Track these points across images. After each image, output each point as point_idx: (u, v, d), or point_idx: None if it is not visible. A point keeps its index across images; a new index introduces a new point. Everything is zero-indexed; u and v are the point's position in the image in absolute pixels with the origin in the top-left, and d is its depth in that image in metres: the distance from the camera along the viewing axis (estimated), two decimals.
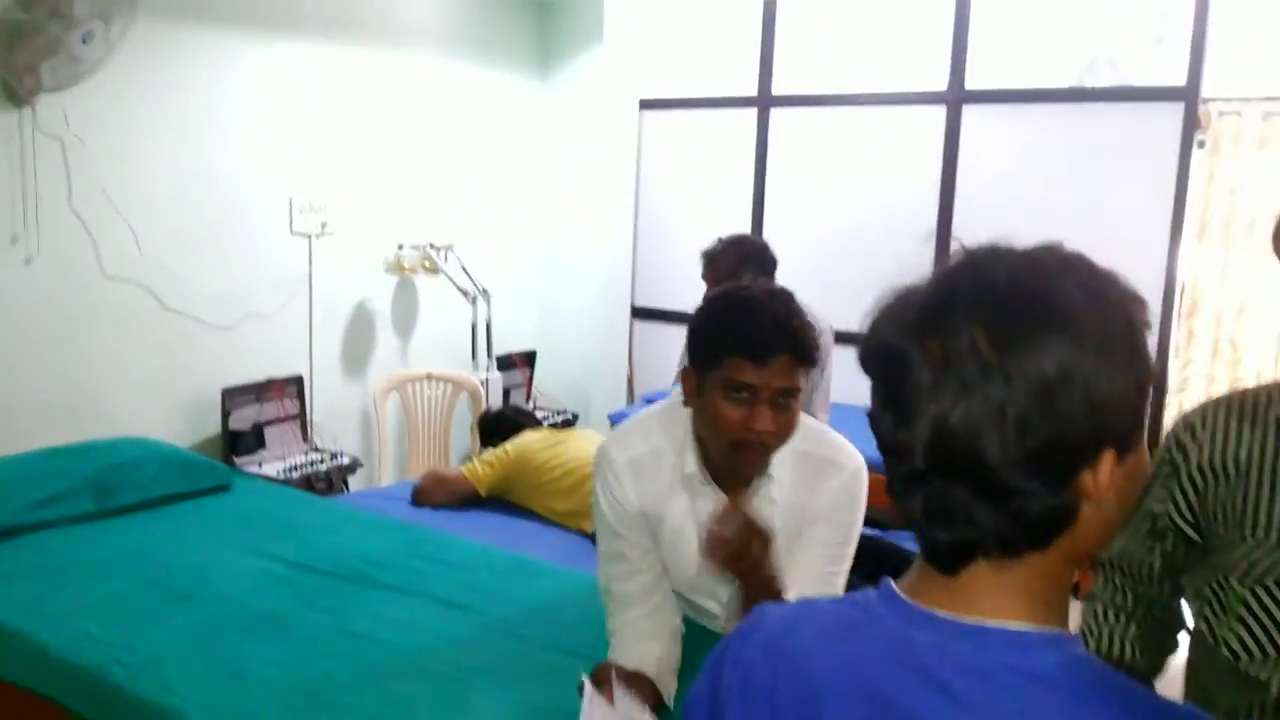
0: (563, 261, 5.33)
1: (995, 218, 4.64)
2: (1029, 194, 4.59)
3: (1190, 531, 1.33)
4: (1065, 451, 0.74)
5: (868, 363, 0.83)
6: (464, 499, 3.19)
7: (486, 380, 4.56)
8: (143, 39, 3.52)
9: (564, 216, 5.30)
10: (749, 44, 5.31)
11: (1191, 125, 4.18)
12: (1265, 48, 4.22)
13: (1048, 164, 4.55)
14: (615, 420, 4.88)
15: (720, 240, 3.26)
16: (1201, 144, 4.24)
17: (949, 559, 0.78)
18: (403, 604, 2.16)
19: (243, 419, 3.95)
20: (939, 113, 4.77)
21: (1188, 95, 4.18)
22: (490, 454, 3.25)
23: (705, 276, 3.25)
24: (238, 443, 3.91)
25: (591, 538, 2.91)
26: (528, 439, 3.26)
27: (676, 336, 5.72)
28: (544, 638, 2.04)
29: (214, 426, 3.92)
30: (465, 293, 4.54)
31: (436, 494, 3.19)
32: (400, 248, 4.47)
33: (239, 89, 3.94)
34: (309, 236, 4.24)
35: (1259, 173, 4.17)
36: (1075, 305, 0.76)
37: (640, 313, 5.72)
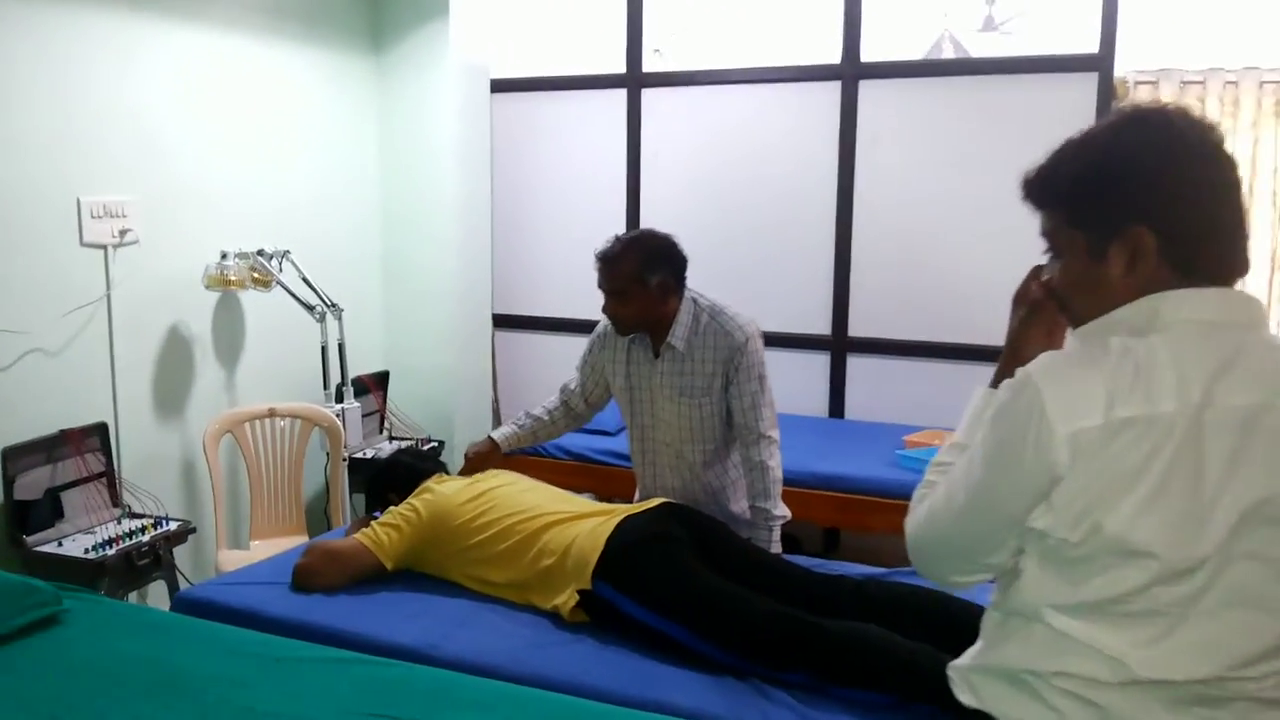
0: (411, 267, 4.59)
1: (900, 197, 4.32)
2: (935, 170, 4.28)
3: None
4: None
5: None
6: (363, 576, 2.47)
7: (343, 412, 3.79)
8: None
9: (409, 215, 4.56)
10: (615, 18, 4.75)
11: (1107, 95, 3.95)
12: (1175, 20, 4.05)
13: (953, 139, 4.24)
14: None
15: (618, 239, 2.71)
16: None
17: None
18: None
19: (32, 485, 3.03)
20: (833, 89, 4.38)
21: (1102, 65, 3.96)
22: (394, 515, 2.54)
23: (603, 284, 2.68)
24: (29, 516, 3.00)
25: (549, 614, 2.29)
26: (439, 492, 2.57)
27: (545, 346, 5.13)
28: None
29: None
30: (311, 308, 3.75)
31: (328, 574, 2.45)
32: (223, 257, 3.63)
33: (9, 67, 3.02)
34: (105, 248, 3.34)
35: None
36: None
37: (502, 320, 5.06)
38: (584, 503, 2.54)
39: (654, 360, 2.70)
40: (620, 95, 4.75)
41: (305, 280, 3.81)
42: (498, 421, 5.07)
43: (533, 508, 2.46)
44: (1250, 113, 3.88)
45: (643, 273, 2.60)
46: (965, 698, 1.34)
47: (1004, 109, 4.14)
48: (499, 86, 4.79)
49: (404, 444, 4.22)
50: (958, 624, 2.08)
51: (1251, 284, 3.99)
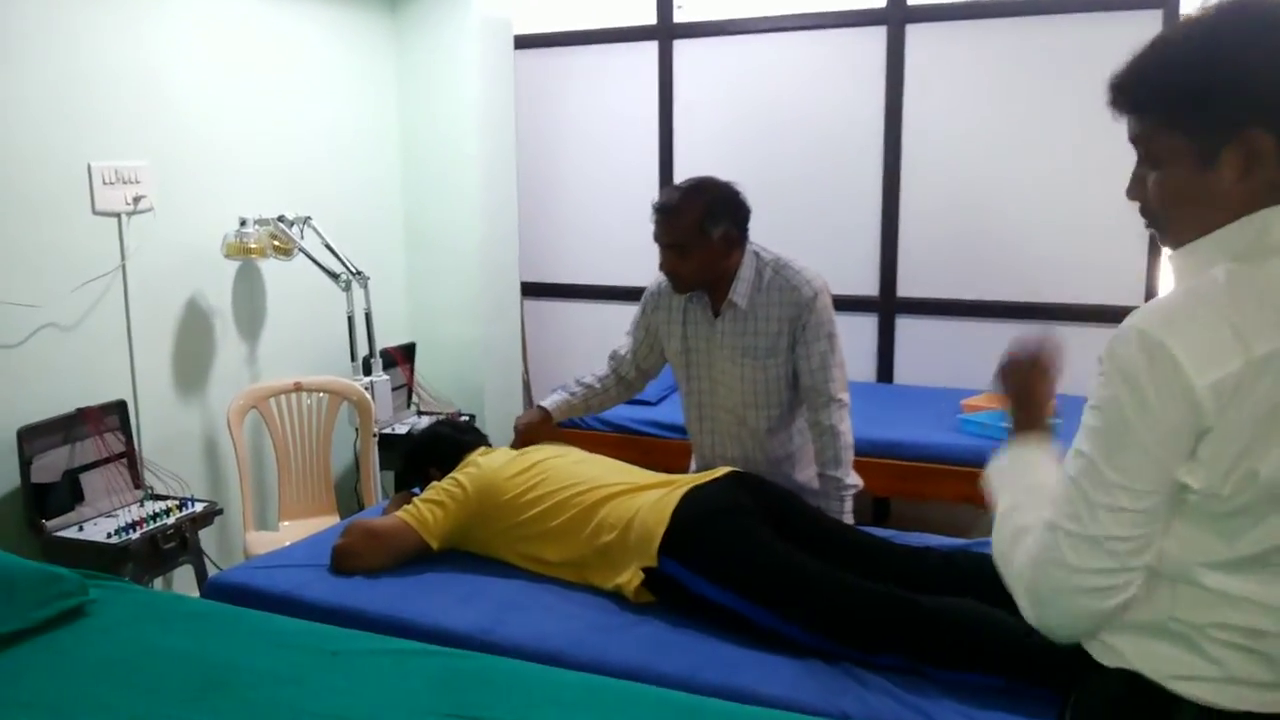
0: (434, 233, 4.40)
1: (951, 148, 4.10)
2: (989, 119, 4.06)
3: None
4: None
5: None
6: (407, 557, 2.29)
7: (372, 385, 3.61)
8: None
9: (431, 179, 4.36)
10: None
11: None
12: None
13: (1009, 84, 4.02)
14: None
15: (675, 188, 2.48)
16: None
17: None
18: None
19: (50, 467, 2.87)
20: (878, 34, 4.15)
21: (1167, 1, 3.72)
22: (438, 491, 2.36)
23: (660, 238, 2.46)
24: (46, 499, 2.84)
25: (611, 594, 2.11)
26: (486, 465, 2.39)
27: (576, 315, 4.94)
28: None
29: (10, 481, 2.83)
30: (335, 276, 3.57)
31: (371, 554, 2.27)
32: (242, 224, 3.45)
33: (18, 26, 2.84)
34: (119, 216, 3.16)
35: None
36: None
37: (531, 289, 4.87)
38: (643, 474, 2.36)
39: (713, 320, 2.50)
40: (651, 47, 4.54)
41: (328, 247, 3.62)
42: (529, 394, 4.89)
43: (588, 480, 2.28)
44: None
45: (705, 224, 2.39)
46: (1107, 658, 1.17)
47: (1062, 51, 3.91)
48: (522, 42, 4.58)
49: (436, 417, 4.04)
50: None
51: None
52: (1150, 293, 3.91)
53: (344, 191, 4.06)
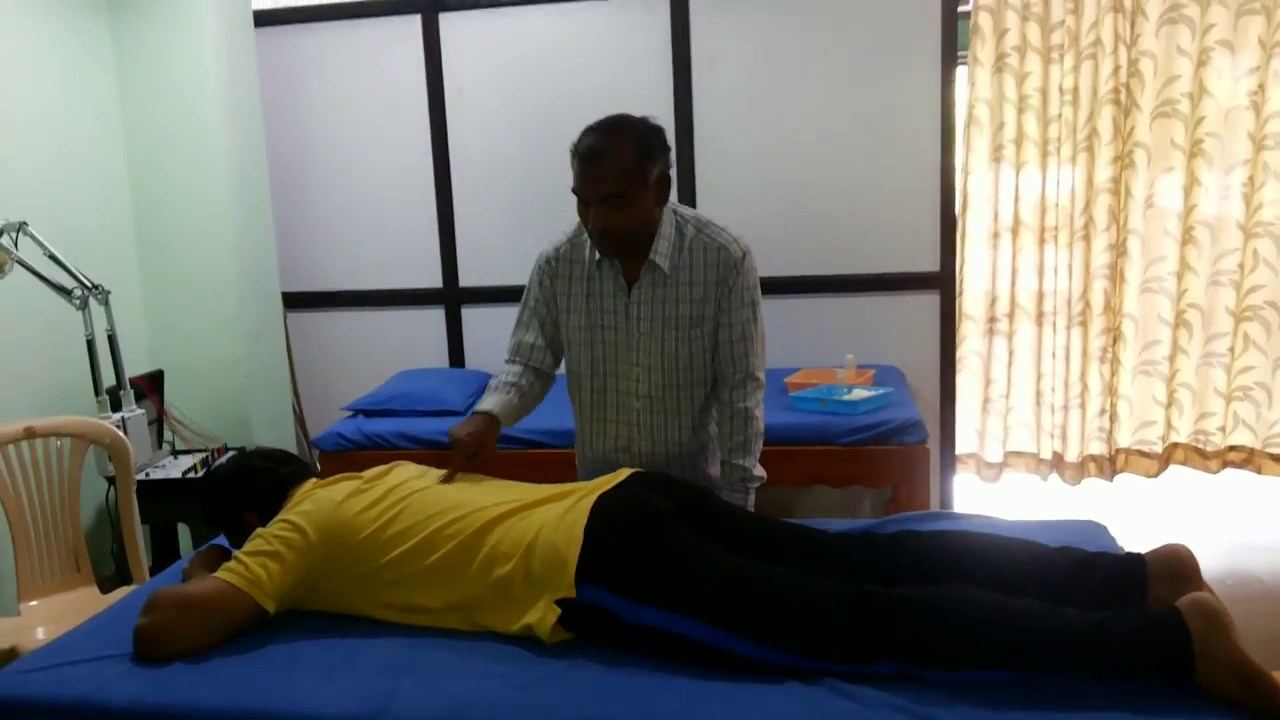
0: (175, 241, 3.76)
1: (745, 121, 3.98)
2: (783, 89, 3.99)
3: None
4: None
5: None
6: (237, 628, 1.78)
7: (124, 422, 2.97)
8: None
9: (166, 178, 3.72)
10: None
11: None
12: None
13: (801, 52, 3.97)
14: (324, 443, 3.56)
15: (595, 130, 2.03)
16: (966, 15, 3.88)
17: None
18: None
19: None
20: (661, 5, 3.97)
21: None
22: (266, 540, 1.85)
23: (590, 190, 2.01)
24: None
25: (517, 638, 1.74)
26: (325, 500, 1.92)
27: (347, 325, 4.41)
28: None
29: None
30: (67, 292, 2.90)
31: (190, 631, 1.73)
32: None
33: None
34: None
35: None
36: None
37: (294, 299, 4.29)
38: (529, 487, 1.97)
39: (627, 288, 2.15)
40: (414, 22, 4.10)
41: (53, 258, 2.95)
42: (301, 421, 4.32)
43: (463, 503, 1.87)
44: (1093, 11, 3.80)
45: (642, 164, 2.00)
46: None
47: (850, 14, 3.86)
48: (264, 20, 4.02)
49: (197, 456, 3.43)
50: (1028, 571, 1.73)
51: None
52: (947, 259, 3.94)
53: (58, 195, 3.36)
